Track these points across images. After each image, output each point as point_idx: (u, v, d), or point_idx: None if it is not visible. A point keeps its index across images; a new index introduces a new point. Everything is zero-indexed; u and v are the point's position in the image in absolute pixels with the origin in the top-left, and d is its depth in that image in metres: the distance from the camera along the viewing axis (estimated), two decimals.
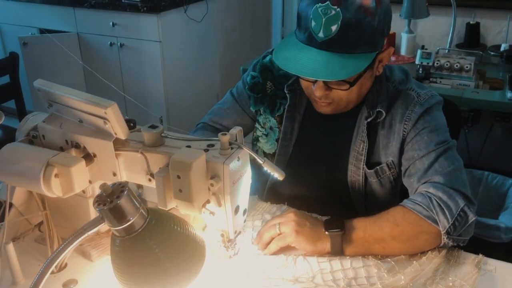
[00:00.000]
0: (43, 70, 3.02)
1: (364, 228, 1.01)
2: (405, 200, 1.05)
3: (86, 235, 0.71)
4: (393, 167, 1.18)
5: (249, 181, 0.94)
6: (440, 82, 2.21)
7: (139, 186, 1.11)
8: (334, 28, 0.99)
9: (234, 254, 1.00)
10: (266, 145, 1.32)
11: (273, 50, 1.26)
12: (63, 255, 0.70)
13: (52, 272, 0.97)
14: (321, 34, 1.00)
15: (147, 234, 0.73)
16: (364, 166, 1.19)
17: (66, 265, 0.99)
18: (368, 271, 0.96)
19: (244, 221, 0.97)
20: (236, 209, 0.91)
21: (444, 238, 0.99)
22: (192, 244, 0.78)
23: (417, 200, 1.02)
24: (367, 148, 1.17)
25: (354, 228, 1.01)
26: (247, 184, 0.93)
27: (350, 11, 0.98)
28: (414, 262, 0.98)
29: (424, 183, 1.07)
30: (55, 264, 0.71)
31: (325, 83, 1.07)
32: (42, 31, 3.21)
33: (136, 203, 0.72)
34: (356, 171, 1.20)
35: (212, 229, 0.93)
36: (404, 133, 1.13)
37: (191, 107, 3.18)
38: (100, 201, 0.71)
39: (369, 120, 1.15)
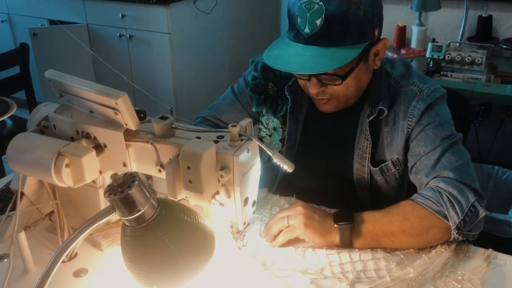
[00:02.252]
0: (53, 61, 3.04)
1: (373, 221, 1.01)
2: (415, 195, 1.05)
3: (97, 224, 0.72)
4: (398, 164, 1.17)
5: (259, 173, 0.94)
6: (451, 75, 2.19)
7: (149, 177, 1.12)
8: (318, 22, 0.99)
9: (243, 246, 1.00)
10: (271, 146, 1.31)
11: None
12: (74, 244, 0.71)
13: (63, 261, 0.97)
14: (307, 30, 1.00)
15: (157, 224, 0.73)
16: (369, 164, 1.19)
17: (76, 254, 1.00)
18: (377, 264, 0.96)
19: (253, 213, 0.97)
20: (246, 201, 0.91)
21: (454, 233, 0.98)
22: (202, 234, 0.79)
23: (427, 194, 1.02)
24: (371, 146, 1.17)
25: (364, 221, 1.01)
26: (257, 176, 0.93)
27: (332, 4, 0.98)
28: (423, 255, 0.98)
29: (434, 178, 1.06)
30: (66, 253, 0.71)
31: (318, 79, 1.07)
32: (52, 22, 3.22)
33: (147, 193, 0.73)
34: (361, 168, 1.20)
35: (221, 220, 0.94)
36: (408, 129, 1.12)
37: (199, 99, 3.18)
38: (111, 190, 0.71)
39: (371, 118, 1.14)
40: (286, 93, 1.23)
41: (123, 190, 0.70)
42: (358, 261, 0.97)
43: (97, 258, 0.99)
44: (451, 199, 0.99)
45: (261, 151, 0.92)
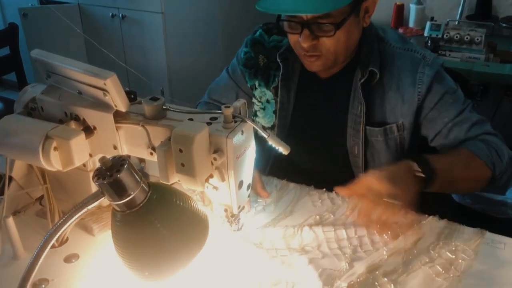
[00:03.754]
0: (43, 42, 2.97)
1: (443, 168, 1.02)
2: (464, 144, 1.10)
3: (85, 209, 0.69)
4: (402, 129, 1.18)
5: (253, 155, 0.91)
6: (449, 55, 2.16)
7: (142, 160, 1.09)
8: None
9: (238, 229, 0.98)
10: (265, 119, 1.32)
11: (263, 24, 1.29)
12: (62, 229, 0.68)
13: (53, 247, 0.96)
14: None
15: (148, 208, 0.71)
16: (365, 127, 1.18)
17: (67, 239, 0.97)
18: (372, 239, 0.97)
19: (248, 196, 0.95)
20: (240, 184, 0.88)
21: (494, 182, 1.06)
22: (195, 218, 0.76)
23: (478, 145, 1.08)
24: (365, 109, 1.16)
25: (437, 167, 1.01)
26: (251, 158, 0.91)
27: None
28: (415, 225, 1.00)
29: (477, 134, 1.12)
30: (55, 238, 0.69)
31: (311, 31, 1.06)
32: (43, 1, 3.15)
33: (137, 177, 0.70)
34: (355, 134, 1.20)
35: (215, 203, 0.92)
36: (419, 96, 1.14)
37: (193, 79, 3.14)
38: (99, 175, 0.68)
39: (362, 81, 1.14)
40: (278, 60, 1.22)
41: (112, 174, 0.67)
42: (354, 237, 0.98)
43: (88, 243, 0.97)
44: (497, 151, 1.07)
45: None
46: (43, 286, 0.86)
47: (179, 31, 2.99)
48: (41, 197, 1.08)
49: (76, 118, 0.92)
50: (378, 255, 0.92)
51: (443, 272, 0.88)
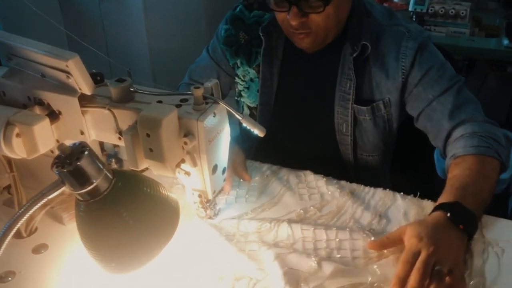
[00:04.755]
0: (20, 24, 2.87)
1: (474, 199, 0.90)
2: (462, 150, 1.00)
3: (45, 199, 0.66)
4: (389, 105, 1.14)
5: (228, 138, 0.87)
6: (434, 29, 2.12)
7: (116, 145, 1.05)
8: None
9: (215, 215, 0.95)
10: (249, 99, 1.28)
11: (244, 0, 1.24)
12: (21, 222, 0.65)
13: (21, 237, 0.92)
14: None
15: (113, 197, 0.67)
16: (354, 105, 1.14)
17: (36, 229, 0.94)
18: (354, 244, 0.88)
19: (224, 180, 0.91)
20: (214, 168, 0.85)
21: (504, 169, 1.01)
22: (164, 206, 0.73)
23: (474, 143, 1.00)
24: (355, 86, 1.13)
25: (470, 204, 0.88)
26: (226, 142, 0.87)
27: None
28: None
29: (460, 123, 1.05)
30: (13, 230, 0.65)
31: (299, 8, 1.01)
32: None
33: (99, 165, 0.66)
34: (343, 111, 1.16)
35: (189, 189, 0.88)
36: (403, 71, 1.09)
37: (177, 60, 3.06)
38: (59, 163, 0.64)
39: (354, 55, 1.10)
40: (261, 34, 1.18)
41: (71, 162, 0.63)
42: (333, 239, 0.89)
43: (59, 233, 0.93)
44: (496, 139, 1.01)
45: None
46: (9, 278, 0.82)
47: (160, 10, 2.91)
48: (9, 186, 1.03)
49: (40, 103, 0.87)
50: (356, 269, 0.82)
51: None
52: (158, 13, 2.90)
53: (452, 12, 2.07)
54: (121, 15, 2.89)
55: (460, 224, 0.84)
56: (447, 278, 0.77)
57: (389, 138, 1.22)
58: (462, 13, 2.05)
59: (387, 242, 0.87)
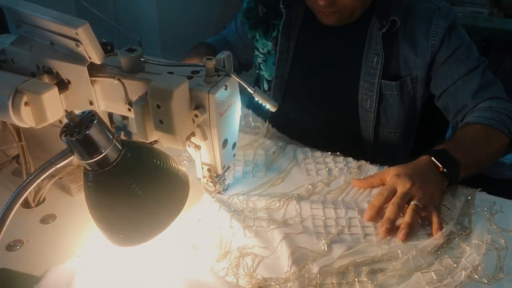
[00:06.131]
0: None
1: (464, 153, 0.94)
2: (472, 118, 1.03)
3: (53, 168, 0.64)
4: (416, 82, 1.14)
5: (239, 112, 0.86)
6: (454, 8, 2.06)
7: (125, 117, 1.04)
8: None
9: (223, 190, 0.94)
10: (267, 71, 1.28)
11: None
12: (29, 190, 0.64)
13: (29, 207, 0.92)
14: None
15: (122, 167, 0.66)
16: (381, 80, 1.13)
17: (44, 199, 0.93)
18: (362, 221, 0.87)
19: (234, 156, 0.90)
20: (224, 143, 0.83)
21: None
22: (174, 179, 0.71)
23: (487, 116, 1.02)
24: (382, 61, 1.11)
25: (459, 156, 0.93)
26: (237, 115, 0.85)
27: None
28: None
29: (482, 101, 1.06)
30: (22, 198, 0.64)
31: None
32: None
33: (109, 134, 0.64)
34: (369, 87, 1.15)
35: (198, 163, 0.87)
36: (432, 49, 1.09)
37: (186, 35, 3.03)
38: (67, 131, 0.63)
39: (383, 30, 1.09)
40: (282, 7, 1.17)
41: (80, 130, 0.62)
42: (343, 217, 0.88)
43: (67, 203, 0.92)
44: (508, 114, 1.02)
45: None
46: (18, 247, 0.82)
47: None
48: (18, 156, 1.03)
49: (49, 71, 0.86)
50: (368, 245, 0.81)
51: (436, 281, 0.74)
52: None
53: None
54: None
55: (440, 167, 0.90)
56: (421, 211, 0.84)
57: (412, 116, 1.21)
58: None
59: (371, 180, 0.94)
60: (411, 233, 0.82)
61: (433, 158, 0.92)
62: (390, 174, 0.91)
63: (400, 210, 0.84)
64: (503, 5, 2.08)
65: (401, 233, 0.81)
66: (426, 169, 0.91)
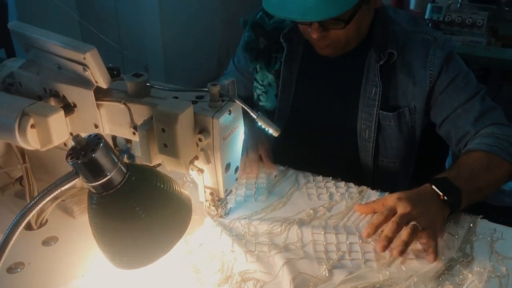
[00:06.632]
0: (36, 17, 2.89)
1: (465, 182, 0.95)
2: (474, 145, 1.04)
3: (58, 191, 0.65)
4: (414, 113, 1.15)
5: (242, 137, 0.87)
6: (450, 38, 2.10)
7: (128, 141, 1.05)
8: None
9: (225, 214, 0.95)
10: (267, 103, 1.29)
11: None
12: (33, 213, 0.64)
13: (31, 229, 0.92)
14: None
15: (126, 190, 0.66)
16: (379, 111, 1.15)
17: (46, 221, 0.93)
18: (363, 247, 0.88)
19: (236, 180, 0.91)
20: (227, 167, 0.84)
21: None
22: (177, 202, 0.72)
23: (488, 142, 1.02)
24: (380, 92, 1.13)
25: (460, 184, 0.94)
26: (240, 140, 0.86)
27: None
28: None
29: (483, 128, 1.07)
30: (25, 221, 0.64)
31: (320, 24, 1.03)
32: None
33: (114, 157, 0.65)
34: (367, 117, 1.16)
35: (201, 187, 0.87)
36: (431, 79, 1.10)
37: (190, 60, 3.07)
38: (73, 154, 0.64)
39: (381, 63, 1.11)
40: (282, 41, 1.19)
41: (86, 153, 0.63)
42: (344, 242, 0.88)
43: (69, 225, 0.93)
44: (511, 141, 1.03)
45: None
46: (18, 269, 0.82)
47: (175, 10, 2.92)
48: (21, 177, 1.04)
49: (56, 95, 0.88)
50: (368, 270, 0.82)
51: None
52: (174, 11, 2.91)
53: (469, 21, 2.05)
54: (135, 11, 2.91)
55: (441, 195, 0.91)
56: (420, 233, 0.85)
57: (411, 146, 1.22)
58: (479, 22, 2.03)
59: (373, 205, 0.95)
60: (405, 251, 0.83)
61: (433, 187, 0.93)
62: (392, 197, 0.92)
63: (399, 228, 0.85)
64: (500, 36, 2.12)
65: (395, 250, 0.83)
66: (427, 197, 0.92)
